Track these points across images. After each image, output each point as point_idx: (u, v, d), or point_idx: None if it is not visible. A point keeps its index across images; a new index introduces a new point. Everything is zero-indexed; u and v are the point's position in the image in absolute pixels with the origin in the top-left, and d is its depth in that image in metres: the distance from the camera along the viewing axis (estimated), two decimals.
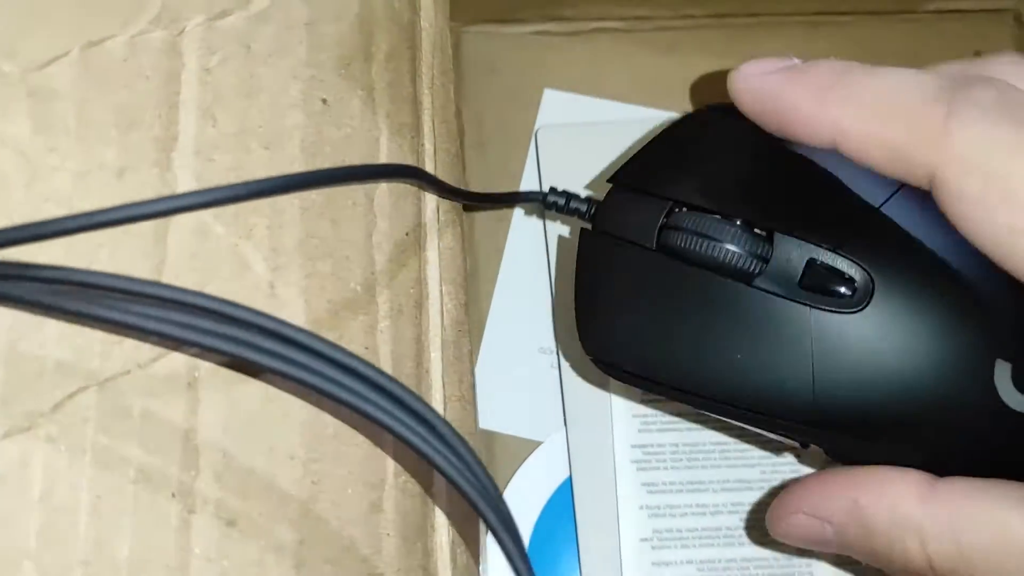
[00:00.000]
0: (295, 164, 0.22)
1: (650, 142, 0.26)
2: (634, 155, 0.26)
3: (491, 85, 0.35)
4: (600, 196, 0.26)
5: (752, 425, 0.24)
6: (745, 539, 0.29)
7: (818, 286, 0.22)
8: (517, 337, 0.32)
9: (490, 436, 0.31)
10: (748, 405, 0.23)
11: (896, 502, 0.21)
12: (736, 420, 0.24)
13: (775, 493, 0.26)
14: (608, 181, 0.26)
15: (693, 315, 0.23)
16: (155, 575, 0.19)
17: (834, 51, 0.34)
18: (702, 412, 0.26)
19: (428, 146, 0.25)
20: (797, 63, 0.22)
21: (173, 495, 0.19)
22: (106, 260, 0.19)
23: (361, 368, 0.18)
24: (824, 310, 0.21)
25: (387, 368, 0.22)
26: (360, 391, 0.18)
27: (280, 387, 0.20)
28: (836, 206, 0.22)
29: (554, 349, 0.31)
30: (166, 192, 0.20)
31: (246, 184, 0.18)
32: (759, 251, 0.22)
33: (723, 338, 0.22)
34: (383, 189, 0.23)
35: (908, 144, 0.20)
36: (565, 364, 0.30)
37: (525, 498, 0.30)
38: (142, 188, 0.20)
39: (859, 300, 0.21)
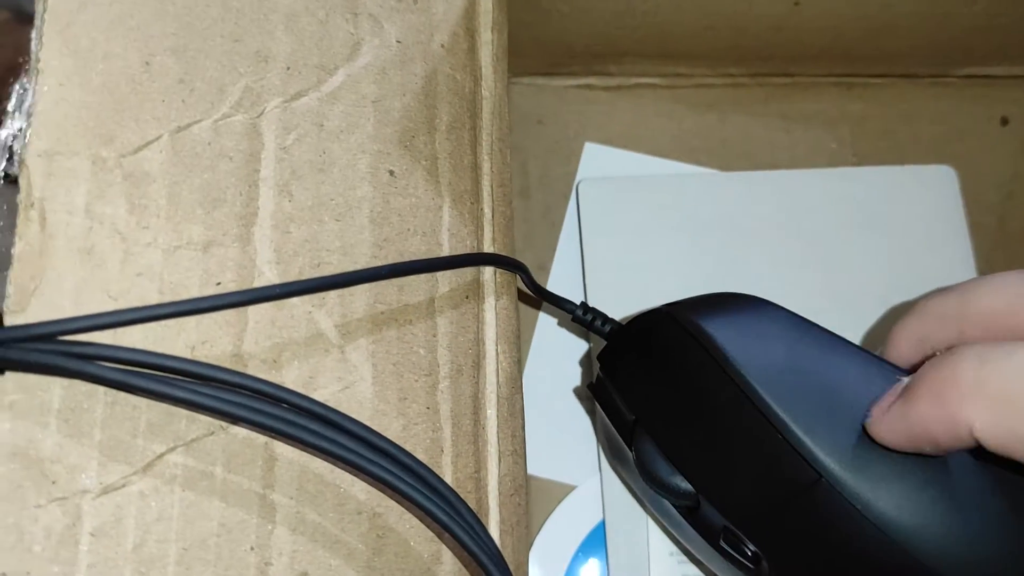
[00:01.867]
0: (364, 233, 0.23)
1: (621, 331, 0.28)
2: (613, 337, 0.28)
3: (537, 136, 0.36)
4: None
5: None
6: None
7: (732, 546, 0.24)
8: (555, 383, 0.33)
9: (527, 479, 0.32)
10: None
11: None
12: None
13: None
14: (598, 358, 0.28)
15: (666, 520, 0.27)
16: None
17: (868, 112, 0.36)
18: None
19: (487, 211, 0.26)
20: (906, 382, 0.22)
21: (252, 548, 0.20)
22: (193, 327, 0.21)
23: (391, 449, 0.21)
24: (737, 566, 0.24)
25: (447, 425, 0.23)
26: (389, 468, 0.21)
27: None
28: (755, 485, 0.23)
29: (590, 396, 0.32)
30: (247, 263, 0.21)
31: (364, 271, 0.21)
32: (691, 502, 0.25)
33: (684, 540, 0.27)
34: (444, 252, 0.24)
35: None
36: (600, 411, 0.32)
37: (559, 540, 0.31)
38: (225, 261, 0.21)
39: (762, 571, 0.24)
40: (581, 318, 0.28)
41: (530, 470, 0.32)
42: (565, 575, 0.31)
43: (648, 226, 0.34)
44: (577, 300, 0.29)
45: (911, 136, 0.36)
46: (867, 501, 0.21)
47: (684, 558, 0.30)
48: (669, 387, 0.25)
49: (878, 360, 0.24)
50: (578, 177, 0.35)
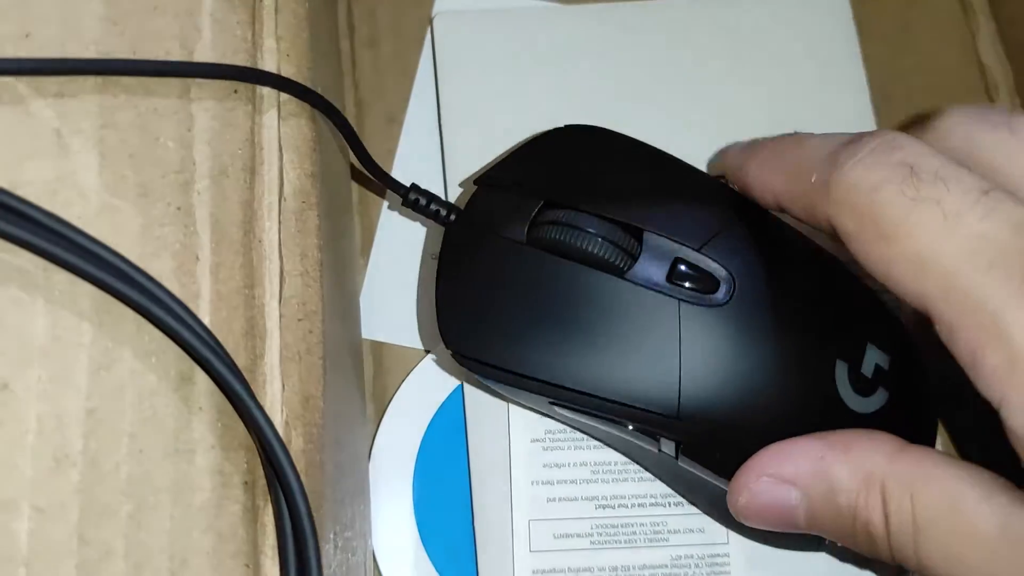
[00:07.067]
0: (92, 3, 0.20)
1: (516, 148, 0.26)
2: (501, 159, 0.26)
3: None
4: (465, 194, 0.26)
5: (613, 418, 0.24)
6: None
7: (684, 282, 0.23)
8: (408, 244, 0.29)
9: (379, 346, 0.29)
10: (614, 395, 0.23)
11: (864, 457, 0.21)
12: (600, 413, 0.24)
13: None
14: (475, 183, 0.25)
15: (562, 307, 0.23)
16: None
17: None
18: None
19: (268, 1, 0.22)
20: (758, 140, 0.24)
21: None
22: None
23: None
24: (690, 303, 0.22)
25: (206, 232, 0.20)
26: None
27: None
28: (703, 210, 0.24)
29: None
30: None
31: (88, 61, 0.18)
32: (628, 247, 0.23)
33: (591, 329, 0.23)
34: (205, 41, 0.21)
35: (812, 197, 0.21)
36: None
37: (414, 406, 0.28)
38: None
39: (722, 297, 0.23)
40: (415, 201, 0.26)
41: (383, 337, 0.29)
42: (423, 439, 0.28)
43: (511, 64, 0.31)
44: (432, 153, 0.26)
45: None
46: None
47: (545, 416, 0.27)
48: (593, 168, 0.25)
49: None
50: (434, 12, 0.32)
